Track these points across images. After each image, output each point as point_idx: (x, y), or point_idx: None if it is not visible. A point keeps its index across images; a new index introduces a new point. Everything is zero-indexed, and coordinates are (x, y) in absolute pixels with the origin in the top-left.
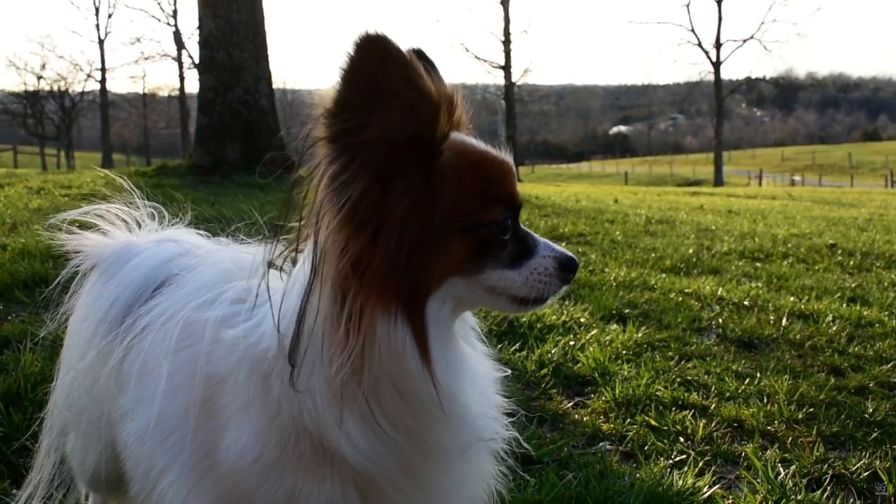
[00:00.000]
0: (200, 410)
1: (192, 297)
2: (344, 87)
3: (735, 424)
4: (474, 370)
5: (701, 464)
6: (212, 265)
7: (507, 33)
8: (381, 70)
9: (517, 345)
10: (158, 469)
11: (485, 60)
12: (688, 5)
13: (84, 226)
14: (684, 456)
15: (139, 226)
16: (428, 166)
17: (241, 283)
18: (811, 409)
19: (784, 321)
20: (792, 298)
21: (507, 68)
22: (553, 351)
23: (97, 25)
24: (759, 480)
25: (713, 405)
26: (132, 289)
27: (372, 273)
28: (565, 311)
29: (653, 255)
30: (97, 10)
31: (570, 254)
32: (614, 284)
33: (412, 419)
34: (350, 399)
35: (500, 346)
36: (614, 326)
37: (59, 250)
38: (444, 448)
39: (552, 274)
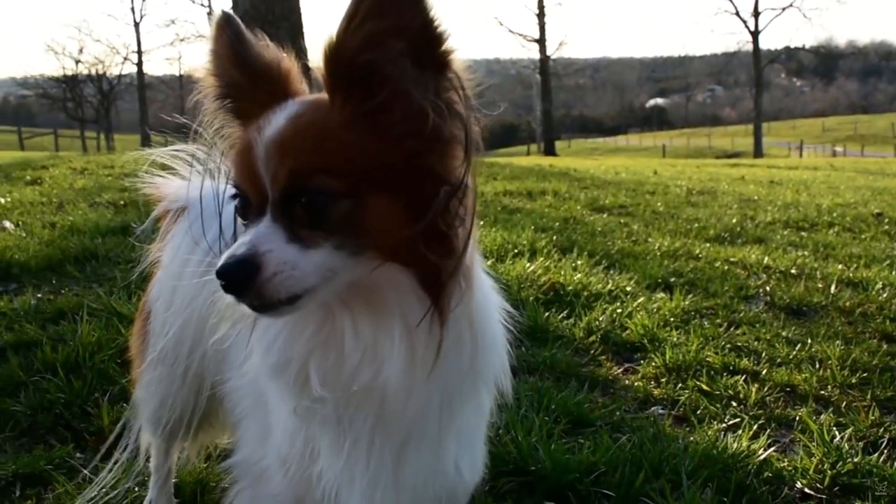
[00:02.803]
0: None
1: None
2: None
3: (787, 389)
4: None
5: (755, 427)
6: None
7: (541, 6)
8: None
9: (564, 312)
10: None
11: (519, 34)
12: None
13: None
14: (738, 420)
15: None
16: None
17: None
18: (864, 374)
19: (833, 289)
20: (840, 266)
21: (541, 42)
22: (601, 318)
23: (132, 8)
24: (814, 443)
25: (764, 370)
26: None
27: None
28: (611, 280)
29: (696, 225)
30: None
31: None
32: (658, 254)
33: None
34: None
35: (547, 313)
36: (661, 294)
37: (110, 224)
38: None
39: None
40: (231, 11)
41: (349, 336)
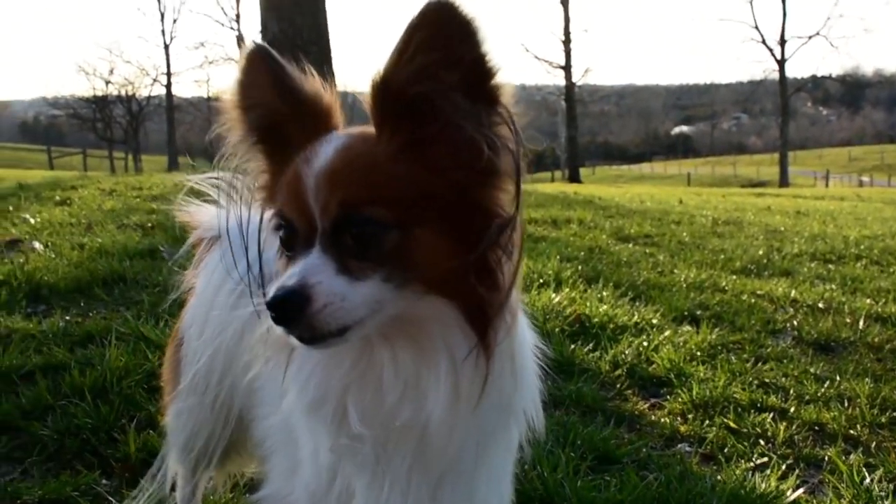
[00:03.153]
0: None
1: None
2: None
3: (816, 428)
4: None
5: (783, 467)
6: None
7: (567, 33)
8: None
9: (590, 345)
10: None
11: (545, 61)
12: (751, 1)
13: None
14: (766, 459)
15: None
16: None
17: None
18: (894, 414)
19: (861, 324)
20: (868, 301)
21: (567, 68)
22: (627, 352)
23: (163, 31)
24: (844, 485)
25: (793, 408)
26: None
27: None
28: (637, 312)
29: (722, 256)
30: (163, 15)
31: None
32: (684, 286)
33: None
34: None
35: (573, 346)
36: (687, 328)
37: (138, 246)
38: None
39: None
40: (264, 42)
41: (388, 370)
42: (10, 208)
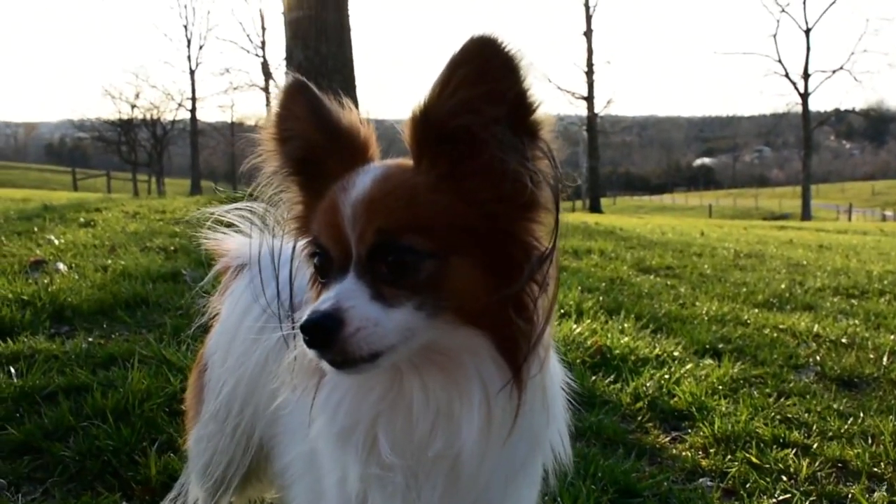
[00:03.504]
0: None
1: None
2: None
3: (839, 465)
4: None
5: (807, 503)
6: None
7: (590, 64)
8: None
9: (611, 377)
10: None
11: (567, 91)
12: (775, 35)
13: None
14: (788, 495)
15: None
16: None
17: None
18: None
19: (885, 360)
20: (892, 337)
21: (589, 99)
22: (648, 384)
23: (189, 56)
24: None
25: (816, 444)
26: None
27: None
28: (658, 345)
29: (744, 289)
30: (189, 41)
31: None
32: (706, 318)
33: None
34: None
35: (594, 377)
36: (709, 361)
37: (160, 270)
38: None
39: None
40: (301, 77)
41: (419, 400)
42: (36, 229)
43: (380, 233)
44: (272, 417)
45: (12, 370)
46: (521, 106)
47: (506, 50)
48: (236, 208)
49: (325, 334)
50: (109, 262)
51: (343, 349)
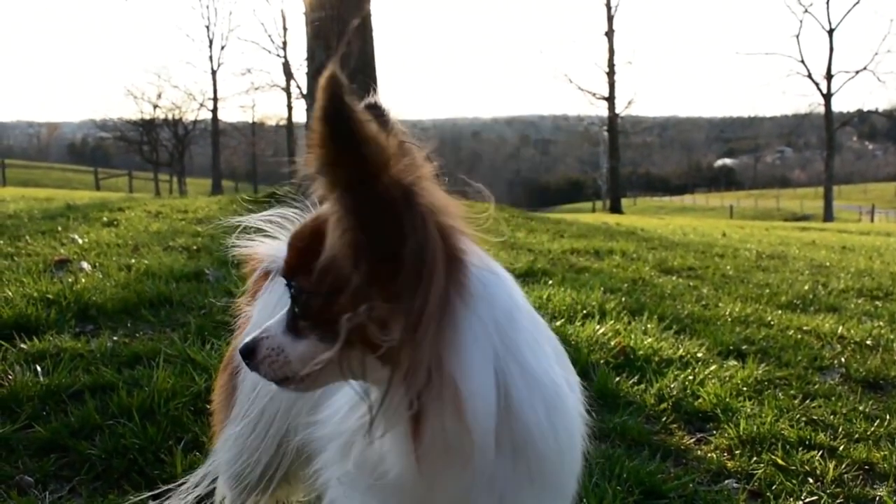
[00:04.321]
0: None
1: None
2: None
3: (866, 467)
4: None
5: None
6: None
7: (611, 64)
8: None
9: (635, 378)
10: None
11: (588, 91)
12: (797, 36)
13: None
14: (815, 497)
15: None
16: None
17: None
18: None
19: None
20: None
21: (610, 99)
22: (672, 385)
23: (210, 57)
24: None
25: (842, 446)
26: None
27: None
28: (681, 346)
29: (767, 290)
30: (211, 42)
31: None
32: (729, 320)
33: None
34: None
35: (617, 378)
36: (733, 362)
37: (183, 269)
38: None
39: None
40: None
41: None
42: (60, 228)
43: (286, 269)
44: (310, 424)
45: (38, 368)
46: None
47: None
48: (268, 215)
49: (244, 359)
50: (133, 261)
51: (258, 371)
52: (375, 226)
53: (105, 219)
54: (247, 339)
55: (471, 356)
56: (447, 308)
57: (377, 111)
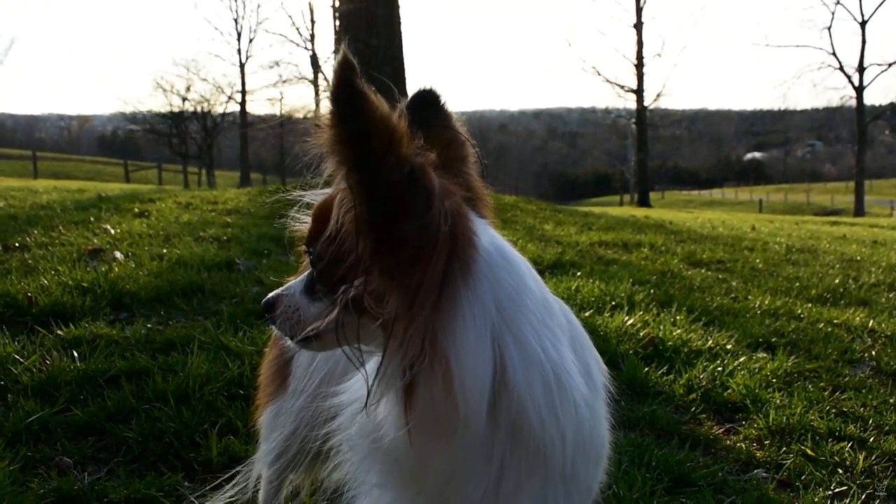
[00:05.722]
0: None
1: None
2: None
3: None
4: None
5: (863, 497)
6: None
7: (639, 57)
8: None
9: (664, 368)
10: None
11: (616, 84)
12: (829, 28)
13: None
14: (844, 488)
15: None
16: None
17: None
18: None
19: None
20: None
21: (639, 92)
22: (701, 376)
23: (238, 50)
24: None
25: (872, 438)
26: None
27: None
28: (710, 337)
29: (797, 284)
30: (239, 35)
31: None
32: (759, 312)
33: None
34: None
35: (646, 369)
36: (762, 354)
37: (215, 259)
38: None
39: None
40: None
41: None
42: (92, 219)
43: (307, 235)
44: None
45: (75, 354)
46: None
47: None
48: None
49: (266, 312)
50: (165, 251)
51: (276, 327)
52: (378, 204)
53: (136, 210)
54: (270, 294)
55: (466, 334)
56: (447, 286)
57: (432, 100)
